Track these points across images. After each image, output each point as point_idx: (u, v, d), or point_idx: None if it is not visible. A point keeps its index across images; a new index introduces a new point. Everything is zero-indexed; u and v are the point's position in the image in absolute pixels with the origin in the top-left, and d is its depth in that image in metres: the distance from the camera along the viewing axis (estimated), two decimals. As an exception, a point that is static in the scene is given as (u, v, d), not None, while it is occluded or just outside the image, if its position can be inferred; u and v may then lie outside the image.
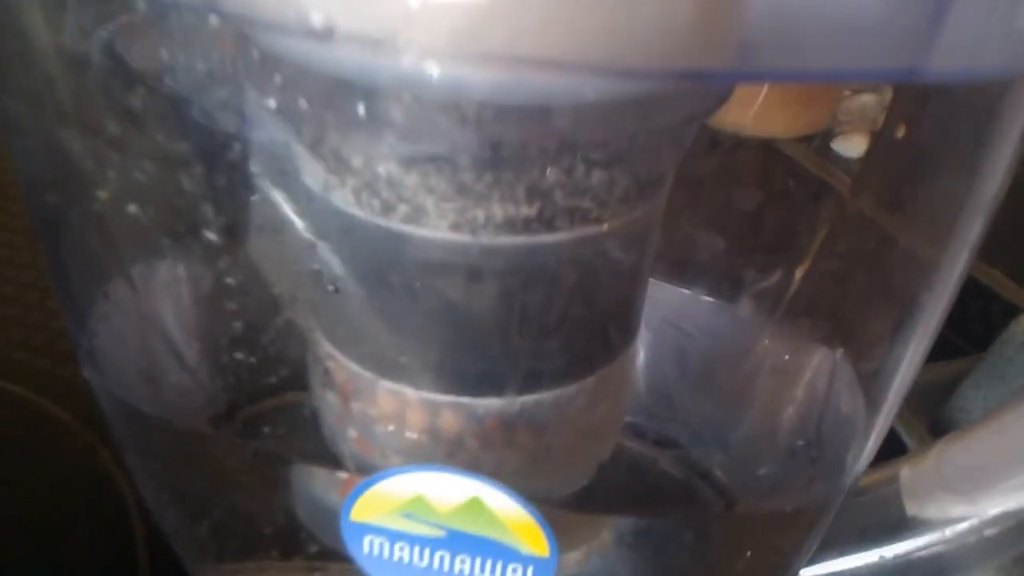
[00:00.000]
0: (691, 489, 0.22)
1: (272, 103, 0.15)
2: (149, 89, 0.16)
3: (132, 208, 0.17)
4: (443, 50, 0.13)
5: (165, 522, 0.22)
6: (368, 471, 0.18)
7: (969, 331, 0.36)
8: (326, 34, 0.13)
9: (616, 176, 0.16)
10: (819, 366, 0.22)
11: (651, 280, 0.22)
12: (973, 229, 0.16)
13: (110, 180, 0.16)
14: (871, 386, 0.21)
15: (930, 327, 0.19)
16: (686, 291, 0.25)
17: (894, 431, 0.31)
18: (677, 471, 0.23)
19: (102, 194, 0.16)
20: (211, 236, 0.17)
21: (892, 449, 0.31)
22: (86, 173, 0.16)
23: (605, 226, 0.16)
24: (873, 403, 0.20)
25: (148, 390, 0.19)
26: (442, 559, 0.18)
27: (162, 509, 0.22)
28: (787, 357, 0.23)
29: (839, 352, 0.22)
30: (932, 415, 0.32)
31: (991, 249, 0.44)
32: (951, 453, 0.21)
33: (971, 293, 0.41)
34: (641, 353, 0.24)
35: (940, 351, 0.37)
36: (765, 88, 0.23)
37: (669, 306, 0.24)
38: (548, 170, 0.15)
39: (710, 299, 0.25)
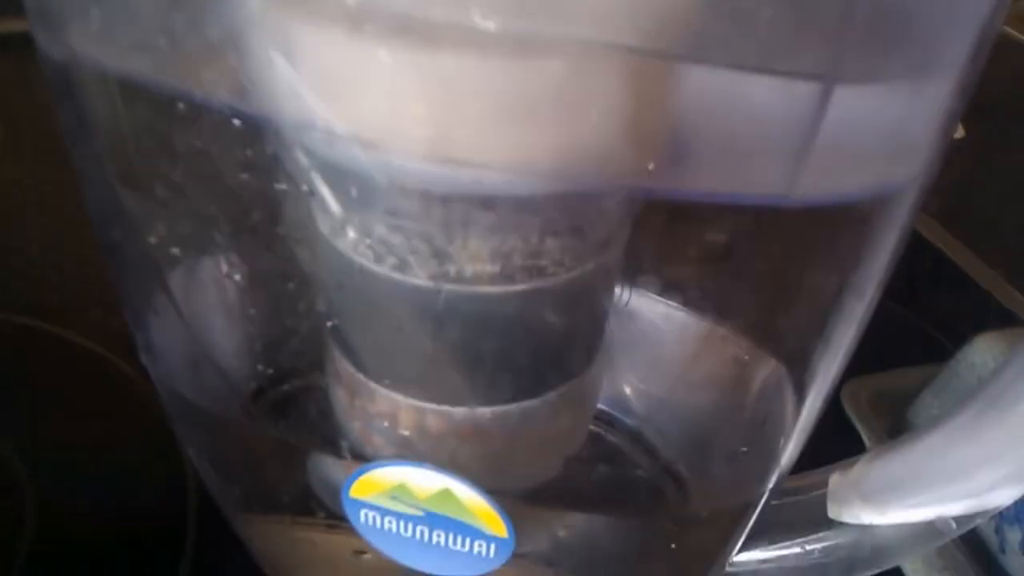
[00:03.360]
0: (652, 485, 0.26)
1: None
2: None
3: (177, 230, 0.21)
4: (414, 153, 0.16)
5: (207, 479, 0.27)
6: (366, 458, 0.22)
7: (960, 335, 0.38)
8: (328, 134, 0.17)
9: (567, 242, 0.19)
10: (766, 379, 0.25)
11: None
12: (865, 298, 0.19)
13: (157, 217, 0.20)
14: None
15: (841, 348, 0.21)
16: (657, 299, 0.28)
17: (856, 431, 0.34)
18: (638, 467, 0.26)
19: (150, 235, 0.20)
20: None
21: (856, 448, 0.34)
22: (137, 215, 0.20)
23: (559, 278, 0.19)
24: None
25: (190, 379, 0.24)
26: (422, 532, 0.22)
27: (204, 470, 0.26)
28: (739, 368, 0.26)
29: (783, 368, 0.25)
30: (895, 418, 0.35)
31: (993, 251, 0.47)
32: (872, 467, 0.24)
33: (967, 296, 0.44)
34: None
35: (929, 352, 0.39)
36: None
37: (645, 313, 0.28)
38: (507, 239, 0.18)
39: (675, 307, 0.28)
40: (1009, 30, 0.57)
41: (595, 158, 0.16)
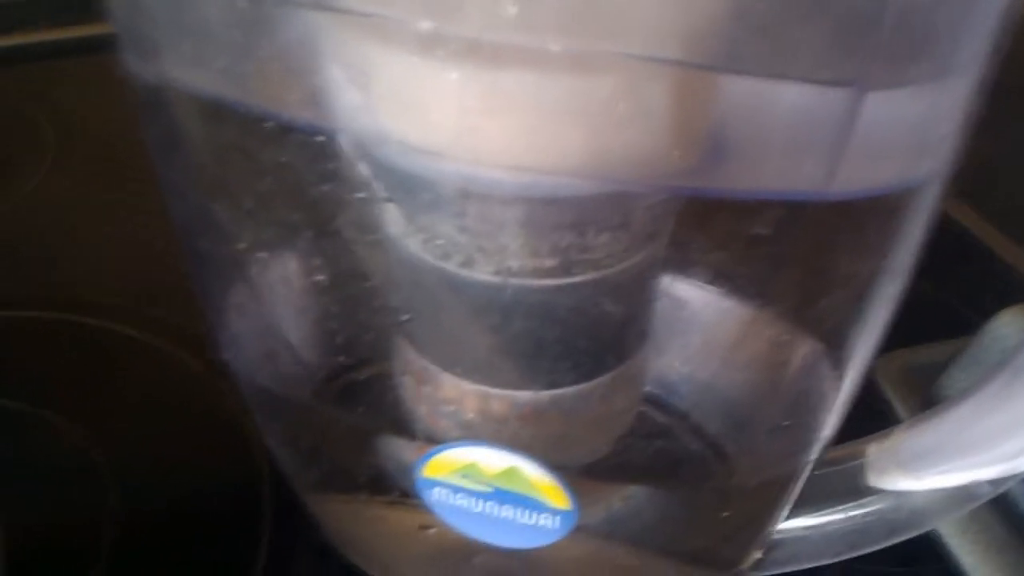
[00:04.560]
0: (699, 458, 0.28)
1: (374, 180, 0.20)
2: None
3: (259, 236, 0.23)
4: (482, 161, 0.18)
5: (283, 463, 0.29)
6: (435, 441, 0.24)
7: (985, 309, 0.39)
8: (401, 146, 0.18)
9: (619, 236, 0.21)
10: (806, 357, 0.27)
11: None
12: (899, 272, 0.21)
13: (242, 224, 0.22)
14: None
15: (876, 327, 0.23)
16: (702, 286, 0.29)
17: (891, 404, 0.36)
18: (686, 442, 0.28)
19: (236, 241, 0.22)
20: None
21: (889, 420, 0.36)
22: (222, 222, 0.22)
23: (611, 270, 0.21)
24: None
25: (268, 370, 0.25)
26: (491, 507, 0.24)
27: (280, 455, 0.28)
28: (780, 348, 0.28)
29: (822, 347, 0.26)
30: (925, 391, 0.36)
31: (1016, 227, 0.48)
32: (908, 436, 0.25)
33: (992, 271, 0.45)
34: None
35: (955, 327, 0.41)
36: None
37: (690, 300, 0.29)
38: (564, 235, 0.20)
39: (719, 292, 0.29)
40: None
41: (648, 161, 0.18)
